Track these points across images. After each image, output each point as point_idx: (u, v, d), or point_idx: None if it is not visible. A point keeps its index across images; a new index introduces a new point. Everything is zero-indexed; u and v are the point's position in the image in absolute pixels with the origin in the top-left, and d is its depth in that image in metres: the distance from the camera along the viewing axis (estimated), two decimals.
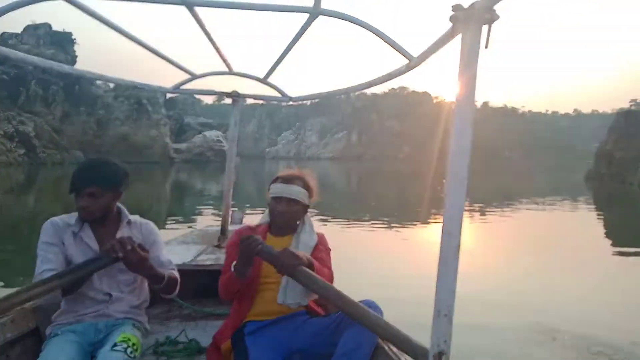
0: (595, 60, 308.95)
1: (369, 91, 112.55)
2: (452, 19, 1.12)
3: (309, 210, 2.22)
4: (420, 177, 30.08)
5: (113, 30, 2.05)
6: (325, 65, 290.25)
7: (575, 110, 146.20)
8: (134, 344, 1.84)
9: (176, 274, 2.10)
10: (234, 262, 1.93)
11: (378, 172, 44.31)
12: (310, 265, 1.84)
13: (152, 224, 2.18)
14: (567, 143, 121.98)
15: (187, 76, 2.97)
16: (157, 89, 3.27)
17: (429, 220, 12.01)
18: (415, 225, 11.78)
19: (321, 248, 2.14)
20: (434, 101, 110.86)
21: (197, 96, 57.52)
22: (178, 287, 2.10)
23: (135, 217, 2.13)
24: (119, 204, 2.08)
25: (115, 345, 1.79)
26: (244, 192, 19.48)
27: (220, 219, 3.66)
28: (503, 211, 14.86)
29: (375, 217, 12.38)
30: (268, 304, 2.01)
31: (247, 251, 1.84)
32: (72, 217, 2.02)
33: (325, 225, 10.38)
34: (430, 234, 9.87)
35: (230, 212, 3.72)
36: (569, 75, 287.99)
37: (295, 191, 2.11)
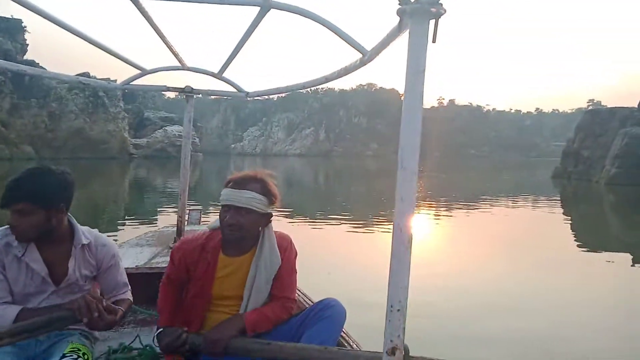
0: (556, 60, 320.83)
1: (337, 87, 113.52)
2: (399, 12, 1.11)
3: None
4: (388, 173, 30.07)
5: (55, 24, 1.96)
6: (290, 61, 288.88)
7: (537, 109, 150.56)
8: (84, 354, 1.76)
9: (129, 295, 2.01)
10: (160, 330, 1.80)
11: (346, 168, 44.47)
12: (242, 329, 1.74)
13: (110, 245, 1.96)
14: (530, 141, 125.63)
15: (138, 71, 2.93)
16: (105, 85, 3.24)
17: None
18: (381, 222, 11.43)
19: (284, 269, 1.90)
20: (401, 98, 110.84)
21: None
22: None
23: (92, 235, 1.91)
24: (71, 219, 1.86)
25: (64, 356, 1.71)
26: (207, 190, 19.01)
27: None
28: (472, 208, 14.95)
29: (342, 214, 12.23)
30: (226, 311, 1.87)
31: (169, 351, 1.73)
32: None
33: (293, 224, 10.27)
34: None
35: (188, 212, 3.64)
36: (530, 74, 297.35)
37: (247, 198, 1.79)
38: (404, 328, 1.12)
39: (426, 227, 11.16)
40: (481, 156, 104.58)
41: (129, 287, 2.04)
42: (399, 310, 1.10)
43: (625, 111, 28.63)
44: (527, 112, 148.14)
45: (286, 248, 1.92)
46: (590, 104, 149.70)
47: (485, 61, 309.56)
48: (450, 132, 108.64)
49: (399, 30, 1.18)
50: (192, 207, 4.64)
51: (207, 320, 1.88)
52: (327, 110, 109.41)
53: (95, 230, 1.98)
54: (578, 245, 9.37)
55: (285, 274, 1.89)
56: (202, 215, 4.35)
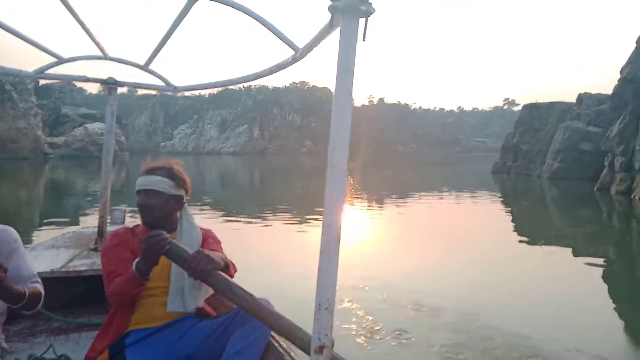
0: (474, 60, 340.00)
1: (270, 84, 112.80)
2: (330, 9, 1.11)
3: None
4: (322, 171, 29.95)
5: None
6: (223, 57, 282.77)
7: (459, 107, 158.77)
8: None
9: (40, 287, 1.84)
10: (136, 260, 1.76)
11: (281, 166, 44.09)
12: (226, 268, 1.79)
13: (10, 230, 1.88)
14: (453, 137, 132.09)
15: (54, 59, 2.75)
16: (16, 72, 2.95)
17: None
18: (317, 219, 11.30)
19: (211, 241, 2.04)
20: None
21: (78, 84, 52.08)
22: (42, 302, 1.83)
23: None
24: None
25: None
26: (133, 190, 17.49)
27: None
28: (413, 204, 15.10)
29: (276, 212, 12.18)
30: (153, 310, 1.87)
31: (153, 250, 1.69)
32: None
33: (226, 222, 10.23)
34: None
35: (110, 211, 3.53)
36: (453, 72, 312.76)
37: (154, 180, 1.97)
38: (332, 326, 1.12)
39: (363, 223, 11.41)
40: (410, 152, 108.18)
41: (38, 278, 1.89)
42: (326, 308, 1.10)
43: (562, 105, 28.54)
44: (450, 110, 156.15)
45: (208, 233, 2.08)
46: (506, 102, 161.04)
47: (412, 61, 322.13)
48: (381, 130, 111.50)
49: (330, 27, 1.20)
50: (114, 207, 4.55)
51: (138, 309, 1.88)
52: (261, 107, 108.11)
53: None
54: (519, 240, 9.45)
55: (218, 248, 1.99)
56: (128, 216, 4.16)
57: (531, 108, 30.31)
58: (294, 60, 1.64)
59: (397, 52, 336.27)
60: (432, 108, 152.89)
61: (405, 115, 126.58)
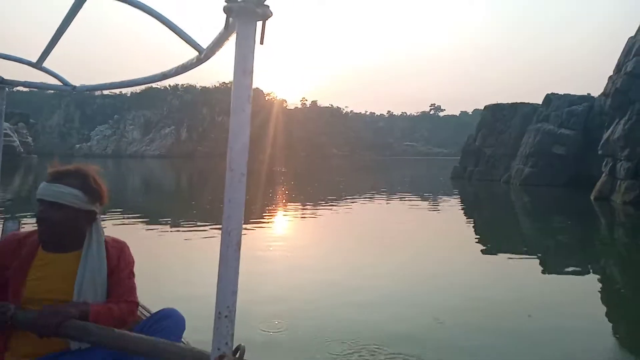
0: (400, 65, 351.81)
1: (198, 84, 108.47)
2: (225, 10, 1.09)
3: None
4: (254, 174, 28.27)
5: None
6: (135, 58, 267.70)
7: (388, 111, 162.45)
8: None
9: None
10: None
11: (211, 170, 41.30)
12: (85, 313, 1.61)
13: None
14: (384, 141, 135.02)
15: None
16: None
17: (257, 220, 11.06)
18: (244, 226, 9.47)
19: (122, 267, 1.81)
20: (266, 98, 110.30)
21: None
22: None
23: None
24: None
25: None
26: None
27: None
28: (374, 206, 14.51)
29: (197, 219, 11.45)
30: (33, 339, 1.61)
31: None
32: None
33: (146, 231, 9.52)
34: (252, 234, 9.11)
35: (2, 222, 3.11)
36: (383, 78, 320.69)
37: (60, 192, 1.69)
38: (233, 334, 1.09)
39: (307, 227, 10.92)
40: (343, 156, 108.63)
41: None
42: (226, 316, 1.08)
43: (527, 107, 27.13)
44: (380, 114, 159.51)
45: (122, 250, 1.85)
46: (432, 107, 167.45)
47: (343, 63, 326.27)
48: (315, 133, 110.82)
49: (226, 29, 1.17)
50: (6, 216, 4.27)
51: (14, 336, 1.67)
52: (189, 108, 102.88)
53: None
54: (482, 251, 8.42)
55: (125, 277, 1.81)
56: (23, 226, 3.12)
57: (494, 109, 28.54)
58: (199, 61, 1.57)
59: (328, 55, 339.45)
60: (363, 112, 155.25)
61: (337, 119, 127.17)
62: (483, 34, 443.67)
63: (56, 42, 2.14)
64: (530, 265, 7.16)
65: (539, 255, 7.95)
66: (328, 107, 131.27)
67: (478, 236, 10.13)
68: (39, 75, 2.80)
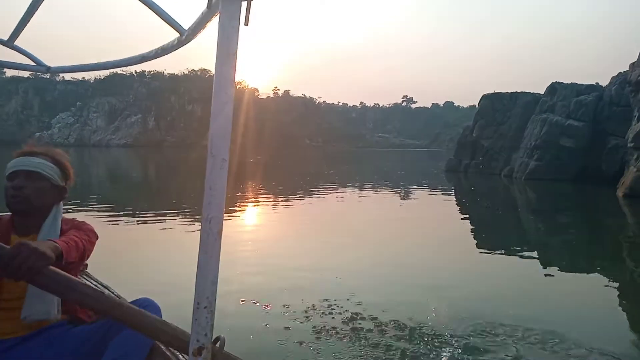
0: (375, 57, 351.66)
1: (167, 71, 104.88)
2: None
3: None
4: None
5: None
6: (116, 37, 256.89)
7: (361, 102, 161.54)
8: None
9: None
10: None
11: (180, 160, 40.00)
12: (59, 257, 1.46)
13: None
14: (356, 132, 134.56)
15: None
16: None
17: (230, 209, 11.07)
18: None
19: (72, 231, 1.70)
20: (237, 86, 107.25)
21: None
22: None
23: None
24: None
25: None
26: None
27: None
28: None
29: (169, 209, 11.31)
30: (10, 318, 1.64)
31: None
32: None
33: (110, 221, 9.31)
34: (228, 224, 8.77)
35: None
36: (355, 67, 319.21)
37: (40, 163, 1.71)
38: (212, 325, 1.07)
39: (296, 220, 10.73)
40: (316, 146, 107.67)
41: None
42: (206, 307, 1.06)
43: (527, 96, 25.63)
44: (353, 105, 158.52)
45: (78, 225, 1.77)
46: (404, 99, 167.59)
47: (316, 54, 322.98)
48: (287, 123, 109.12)
49: (209, 8, 1.14)
50: None
51: None
52: (157, 96, 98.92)
53: None
54: (481, 252, 7.76)
55: (75, 236, 1.65)
56: None
57: (492, 98, 26.78)
58: (180, 43, 1.53)
59: (301, 45, 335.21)
60: (336, 103, 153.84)
61: (310, 109, 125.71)
62: (443, 29, 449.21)
63: (29, 19, 2.01)
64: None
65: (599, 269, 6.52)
66: (301, 97, 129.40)
67: (505, 241, 8.95)
68: (11, 55, 2.58)
